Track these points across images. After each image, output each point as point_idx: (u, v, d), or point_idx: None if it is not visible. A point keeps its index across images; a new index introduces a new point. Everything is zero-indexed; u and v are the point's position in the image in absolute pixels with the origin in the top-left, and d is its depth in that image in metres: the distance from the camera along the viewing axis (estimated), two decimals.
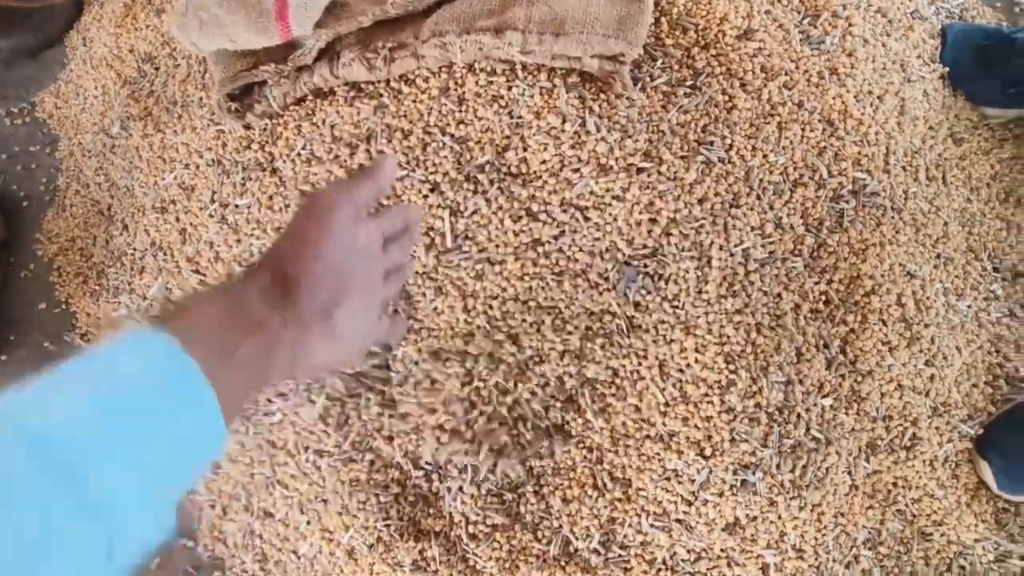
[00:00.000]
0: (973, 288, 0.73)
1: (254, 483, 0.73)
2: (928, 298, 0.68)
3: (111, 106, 0.87)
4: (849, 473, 0.65)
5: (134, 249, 0.81)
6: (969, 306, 0.72)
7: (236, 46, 0.64)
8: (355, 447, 0.66)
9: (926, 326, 0.67)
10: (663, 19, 0.67)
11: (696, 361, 0.61)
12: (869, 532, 0.66)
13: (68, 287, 0.88)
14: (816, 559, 0.64)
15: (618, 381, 0.61)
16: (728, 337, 0.61)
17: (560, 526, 0.63)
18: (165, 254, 0.77)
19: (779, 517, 0.62)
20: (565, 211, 0.61)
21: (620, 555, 0.61)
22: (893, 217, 0.68)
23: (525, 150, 0.61)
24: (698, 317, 0.61)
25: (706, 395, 0.60)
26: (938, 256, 0.71)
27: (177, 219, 0.76)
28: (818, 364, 0.63)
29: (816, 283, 0.65)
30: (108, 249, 0.85)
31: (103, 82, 0.89)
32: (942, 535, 0.68)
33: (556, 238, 0.61)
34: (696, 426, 0.60)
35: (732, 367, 0.60)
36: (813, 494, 0.63)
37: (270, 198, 0.68)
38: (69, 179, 0.91)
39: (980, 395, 0.71)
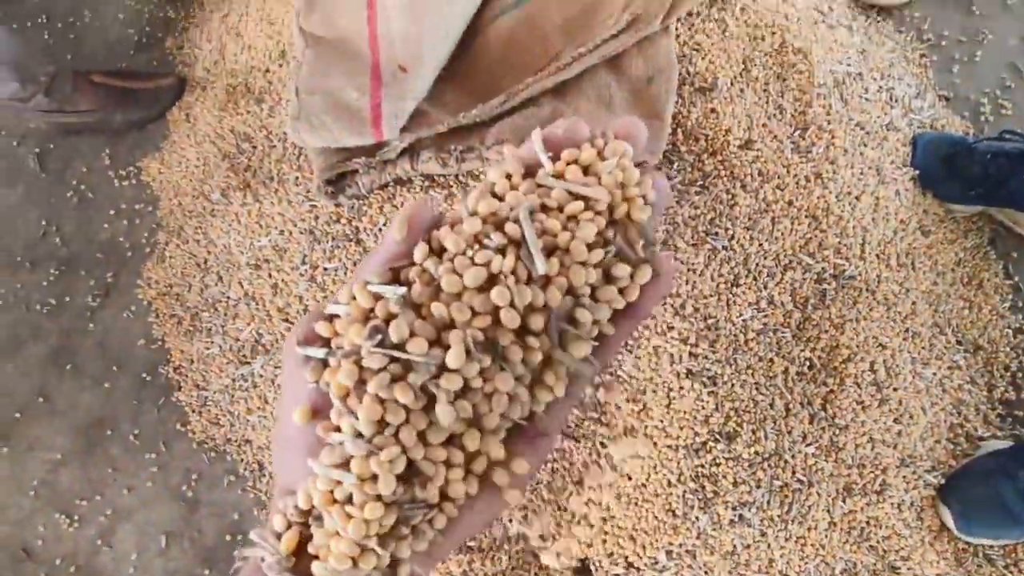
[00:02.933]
0: (938, 358, 0.86)
1: None
2: (897, 366, 0.81)
3: (211, 175, 1.03)
4: (828, 511, 0.77)
5: (228, 298, 0.96)
6: (934, 374, 0.85)
7: (336, 144, 0.80)
8: None
9: (895, 390, 0.80)
10: (679, 130, 0.82)
11: (713, 413, 0.74)
12: (846, 563, 0.78)
13: (164, 327, 1.03)
14: None
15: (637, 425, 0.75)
16: (737, 394, 0.74)
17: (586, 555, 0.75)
18: (257, 304, 0.92)
19: (768, 546, 0.75)
20: None
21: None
22: (867, 297, 0.82)
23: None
24: (714, 376, 0.75)
25: (717, 443, 0.73)
26: (907, 330, 0.84)
27: (270, 275, 0.91)
28: (803, 418, 0.76)
29: (802, 351, 0.78)
30: (203, 296, 1.00)
31: (205, 155, 1.05)
32: (908, 569, 0.79)
33: None
34: (706, 474, 0.73)
35: (738, 420, 0.74)
36: (797, 528, 0.75)
37: (354, 264, 0.83)
38: (169, 235, 1.06)
39: (943, 450, 0.84)
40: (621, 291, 0.26)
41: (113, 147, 1.15)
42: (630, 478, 0.75)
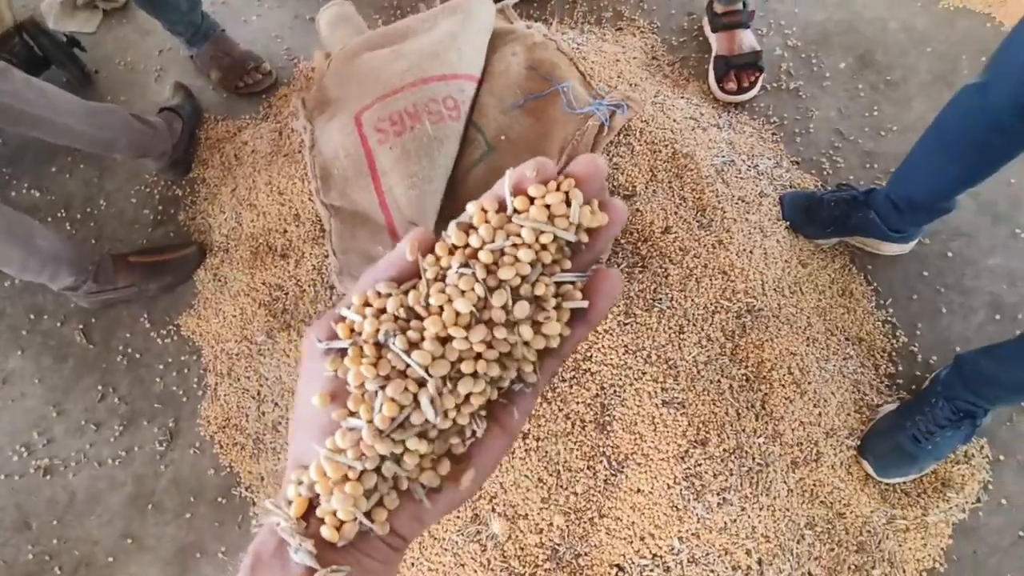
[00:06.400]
0: (834, 354, 1.17)
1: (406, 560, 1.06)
2: (807, 366, 1.11)
3: (251, 322, 1.25)
4: (785, 482, 1.04)
5: (286, 419, 1.17)
6: (834, 366, 1.16)
7: None
8: (474, 520, 1.01)
9: (809, 383, 1.10)
10: None
11: (687, 428, 1.01)
12: (807, 518, 1.05)
13: (229, 455, 1.22)
14: (777, 540, 1.02)
15: (639, 447, 1.01)
16: (700, 411, 1.02)
17: (604, 554, 0.99)
18: None
19: (749, 517, 1.01)
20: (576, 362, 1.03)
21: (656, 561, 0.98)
22: (774, 321, 1.12)
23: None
24: (682, 401, 1.02)
25: (695, 449, 1.00)
26: (808, 338, 1.15)
27: None
28: (750, 418, 1.05)
29: (738, 369, 1.07)
30: (261, 422, 1.20)
31: (241, 306, 1.27)
32: (851, 512, 1.07)
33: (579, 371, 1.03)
34: (692, 473, 0.99)
35: (706, 430, 1.01)
36: (765, 499, 1.02)
37: None
38: (219, 376, 1.26)
39: (854, 420, 1.14)
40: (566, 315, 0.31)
41: (150, 312, 1.35)
42: (639, 491, 1.01)
